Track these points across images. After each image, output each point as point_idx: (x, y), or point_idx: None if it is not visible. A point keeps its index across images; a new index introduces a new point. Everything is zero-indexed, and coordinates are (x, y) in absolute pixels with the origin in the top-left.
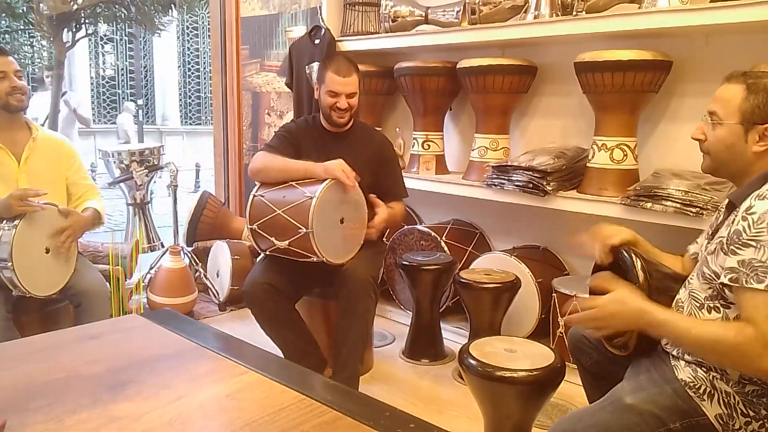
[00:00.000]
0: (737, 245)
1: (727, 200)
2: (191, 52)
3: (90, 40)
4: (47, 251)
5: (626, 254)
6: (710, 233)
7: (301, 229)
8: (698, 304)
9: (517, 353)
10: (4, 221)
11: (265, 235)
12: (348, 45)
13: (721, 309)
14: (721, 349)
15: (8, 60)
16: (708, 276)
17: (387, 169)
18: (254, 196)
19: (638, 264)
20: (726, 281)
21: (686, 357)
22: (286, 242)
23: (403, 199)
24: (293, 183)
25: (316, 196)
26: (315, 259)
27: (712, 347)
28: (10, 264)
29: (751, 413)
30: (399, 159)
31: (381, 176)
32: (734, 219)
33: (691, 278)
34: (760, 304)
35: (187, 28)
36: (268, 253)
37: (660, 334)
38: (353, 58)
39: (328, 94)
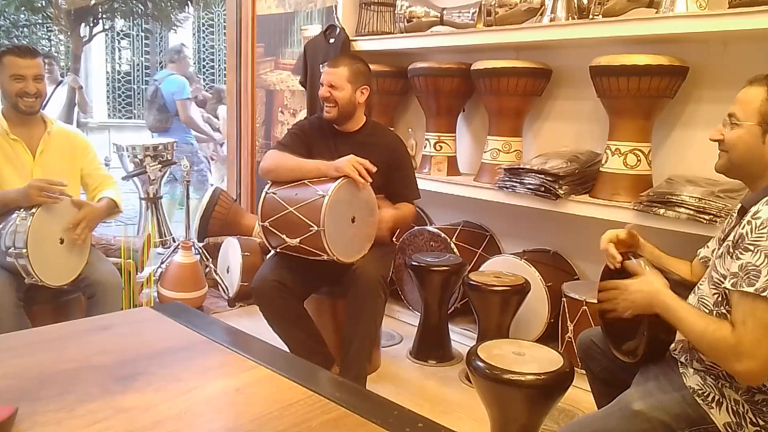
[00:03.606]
0: (740, 249)
1: (739, 205)
2: (206, 49)
3: (107, 35)
4: (62, 242)
5: (635, 261)
6: (722, 238)
7: (312, 227)
8: (707, 310)
9: (525, 357)
10: (21, 210)
11: (277, 232)
12: (363, 45)
13: (729, 315)
14: (703, 343)
15: (34, 62)
16: (716, 280)
17: (399, 169)
18: (266, 193)
19: (646, 270)
20: (729, 286)
21: (695, 364)
22: (298, 240)
23: (414, 201)
24: (306, 181)
25: (329, 195)
26: (326, 258)
27: (697, 339)
28: (25, 251)
29: (761, 422)
30: (412, 159)
31: (393, 177)
32: (742, 223)
33: (701, 284)
34: (743, 306)
35: (203, 24)
36: (278, 250)
37: (668, 318)
38: (367, 58)
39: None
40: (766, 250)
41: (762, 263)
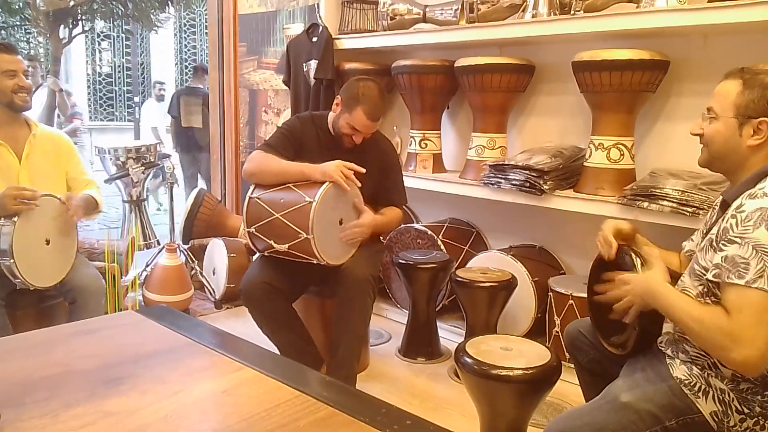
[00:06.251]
0: (724, 242)
1: (720, 198)
2: (188, 50)
3: (87, 36)
4: (48, 242)
5: (626, 254)
6: (704, 231)
7: (301, 234)
8: None
9: (513, 352)
10: (1, 218)
11: (264, 237)
12: (345, 43)
13: (712, 305)
14: (700, 330)
15: (18, 59)
16: (698, 272)
17: (390, 175)
18: (250, 198)
19: (638, 263)
20: (710, 277)
21: (681, 355)
22: (286, 246)
23: (402, 205)
24: (290, 185)
25: (316, 201)
26: (315, 262)
27: (693, 326)
28: (10, 254)
29: (746, 410)
30: (401, 163)
31: (383, 182)
32: (725, 217)
33: (683, 277)
34: (736, 297)
35: (184, 25)
36: (266, 254)
37: (660, 306)
38: (350, 56)
39: (348, 126)
40: (753, 242)
41: (750, 255)
